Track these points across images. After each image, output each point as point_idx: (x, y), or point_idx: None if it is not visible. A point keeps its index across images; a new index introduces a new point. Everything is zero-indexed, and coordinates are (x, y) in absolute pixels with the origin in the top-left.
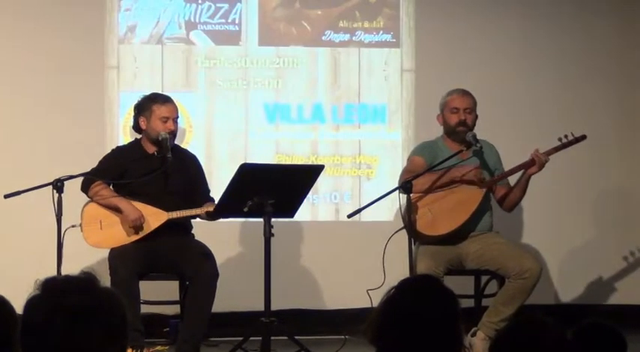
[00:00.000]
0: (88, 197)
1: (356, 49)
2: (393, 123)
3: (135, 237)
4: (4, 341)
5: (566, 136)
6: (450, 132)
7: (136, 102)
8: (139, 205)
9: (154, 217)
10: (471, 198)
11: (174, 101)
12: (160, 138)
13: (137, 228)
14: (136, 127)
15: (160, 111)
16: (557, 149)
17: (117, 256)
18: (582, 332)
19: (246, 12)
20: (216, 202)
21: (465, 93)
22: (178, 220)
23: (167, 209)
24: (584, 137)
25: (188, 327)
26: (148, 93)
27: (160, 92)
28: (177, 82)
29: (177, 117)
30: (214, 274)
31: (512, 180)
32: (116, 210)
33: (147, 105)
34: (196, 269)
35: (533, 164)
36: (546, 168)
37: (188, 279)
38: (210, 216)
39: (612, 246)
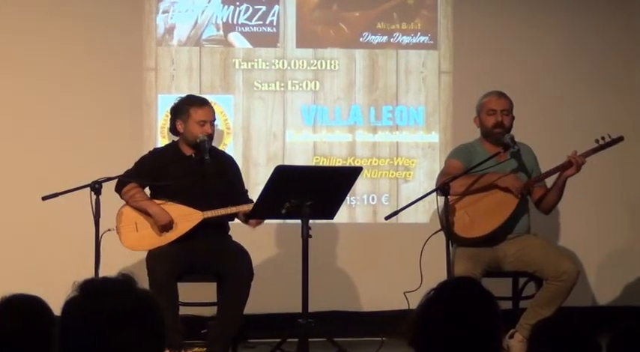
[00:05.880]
0: (122, 199)
1: (393, 51)
2: (431, 125)
3: (170, 238)
4: (43, 343)
5: (603, 138)
6: (487, 134)
7: (172, 104)
8: (174, 207)
9: (189, 217)
10: (508, 200)
11: (211, 103)
12: (197, 141)
13: (167, 232)
14: (173, 130)
15: (197, 114)
16: (594, 150)
17: (154, 257)
18: (619, 338)
19: (284, 14)
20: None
21: (501, 95)
22: (214, 220)
23: (205, 210)
24: (621, 138)
25: (219, 326)
26: (184, 95)
27: (195, 94)
28: (214, 84)
29: (215, 119)
30: (249, 273)
31: (549, 182)
32: (146, 213)
33: (184, 108)
34: (231, 267)
35: (571, 166)
36: (583, 169)
37: (223, 278)
38: (247, 217)
39: None
